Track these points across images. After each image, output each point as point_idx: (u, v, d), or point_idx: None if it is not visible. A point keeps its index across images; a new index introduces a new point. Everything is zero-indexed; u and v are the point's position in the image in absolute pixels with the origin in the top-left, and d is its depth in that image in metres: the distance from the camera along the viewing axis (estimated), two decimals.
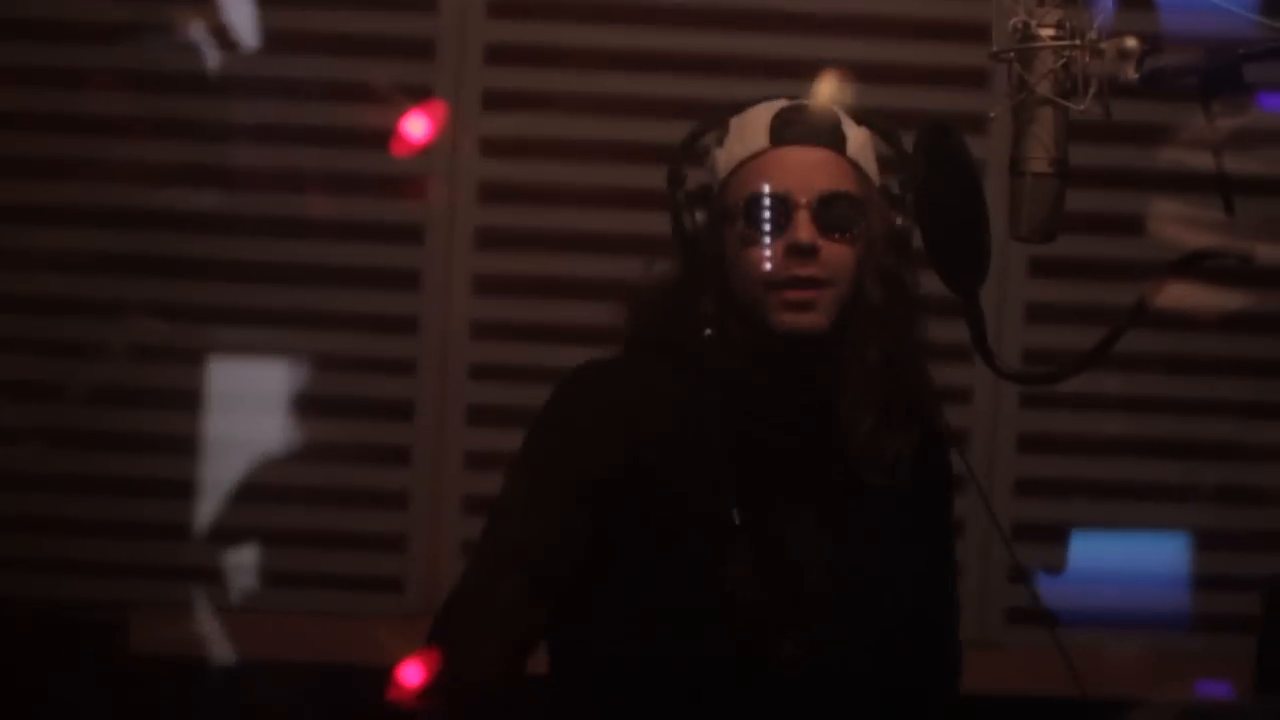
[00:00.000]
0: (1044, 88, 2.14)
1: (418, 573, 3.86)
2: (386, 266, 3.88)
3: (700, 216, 2.48)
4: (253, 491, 3.85)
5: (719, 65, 3.82)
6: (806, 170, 2.44)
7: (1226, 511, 3.89)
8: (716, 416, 2.45)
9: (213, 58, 3.85)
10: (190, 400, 3.84)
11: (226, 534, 3.85)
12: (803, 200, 2.42)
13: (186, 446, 3.84)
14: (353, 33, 3.85)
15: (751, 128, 2.48)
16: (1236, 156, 3.53)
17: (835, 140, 2.47)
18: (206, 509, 3.84)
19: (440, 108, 3.83)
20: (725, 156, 2.49)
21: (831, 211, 2.43)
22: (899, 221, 2.48)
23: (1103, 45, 2.12)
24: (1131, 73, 2.09)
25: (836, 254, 2.43)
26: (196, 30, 3.84)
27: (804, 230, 2.42)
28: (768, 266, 2.43)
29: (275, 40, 3.84)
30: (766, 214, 2.43)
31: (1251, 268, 2.12)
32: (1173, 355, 3.86)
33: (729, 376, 2.46)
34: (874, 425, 2.45)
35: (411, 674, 3.61)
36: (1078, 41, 2.13)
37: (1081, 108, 2.13)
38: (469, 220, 3.85)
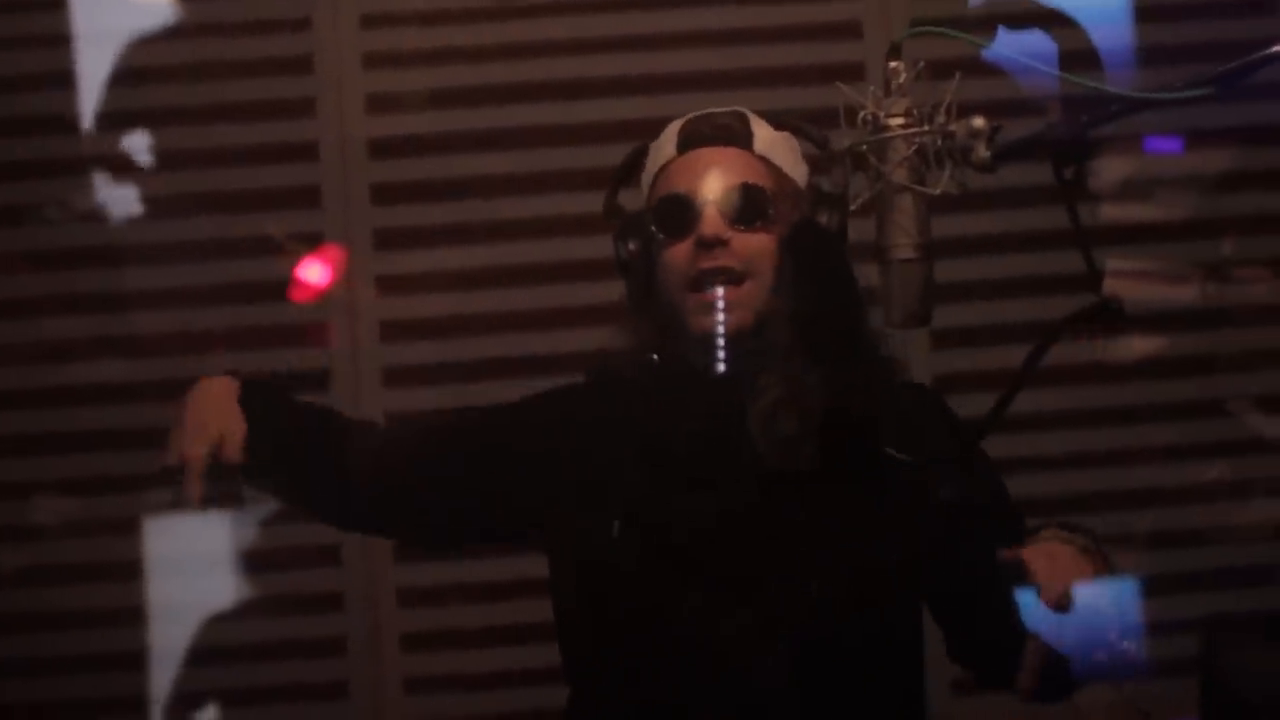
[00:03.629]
0: (900, 175, 2.17)
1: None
2: None
3: (634, 243, 2.50)
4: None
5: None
6: (712, 168, 2.45)
7: (1159, 556, 3.90)
8: (628, 434, 2.44)
9: (99, 229, 3.85)
10: (120, 571, 3.83)
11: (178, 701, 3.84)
12: (709, 196, 2.43)
13: (128, 618, 3.82)
14: (241, 188, 3.87)
15: (664, 140, 2.52)
16: (1093, 210, 3.60)
17: (741, 138, 2.49)
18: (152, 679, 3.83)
19: (334, 251, 3.84)
20: (646, 177, 2.53)
21: (739, 203, 2.43)
22: (823, 216, 2.47)
23: (952, 127, 2.15)
24: (983, 151, 2.12)
25: (751, 245, 2.43)
26: (82, 204, 3.85)
27: (710, 224, 2.43)
28: (680, 266, 2.44)
29: (162, 204, 3.85)
30: (674, 215, 2.45)
31: (1121, 314, 2.14)
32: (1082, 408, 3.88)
33: (658, 395, 2.44)
34: (771, 409, 2.40)
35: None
36: (927, 127, 2.16)
37: (938, 191, 2.15)
38: (375, 359, 3.85)
